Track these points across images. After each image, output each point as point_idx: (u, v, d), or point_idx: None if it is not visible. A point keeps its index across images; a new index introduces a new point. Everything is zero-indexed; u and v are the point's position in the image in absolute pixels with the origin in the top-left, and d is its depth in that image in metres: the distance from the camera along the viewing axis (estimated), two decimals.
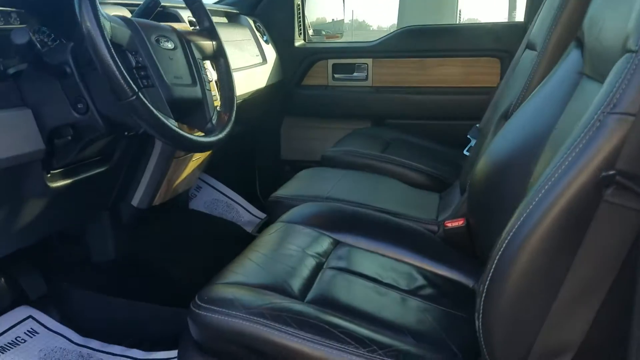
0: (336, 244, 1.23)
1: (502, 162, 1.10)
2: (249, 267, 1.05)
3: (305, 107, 2.47)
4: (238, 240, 1.87)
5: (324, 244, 1.21)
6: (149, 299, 1.53)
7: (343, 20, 3.13)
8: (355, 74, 2.44)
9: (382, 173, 1.74)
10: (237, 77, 1.51)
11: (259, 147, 2.56)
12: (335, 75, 2.44)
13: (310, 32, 2.73)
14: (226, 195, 2.50)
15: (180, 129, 1.08)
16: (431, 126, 2.35)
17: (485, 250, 0.92)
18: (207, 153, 1.81)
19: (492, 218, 1.03)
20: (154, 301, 1.52)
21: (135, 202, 1.53)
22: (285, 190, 1.57)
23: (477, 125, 1.69)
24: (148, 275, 1.69)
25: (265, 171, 2.58)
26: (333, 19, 3.43)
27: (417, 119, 2.37)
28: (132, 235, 1.68)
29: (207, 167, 2.34)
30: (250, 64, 2.08)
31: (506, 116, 1.30)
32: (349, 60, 2.42)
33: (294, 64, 2.43)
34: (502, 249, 0.68)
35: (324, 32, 3.22)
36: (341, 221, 1.30)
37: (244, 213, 2.48)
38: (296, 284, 1.00)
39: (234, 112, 1.34)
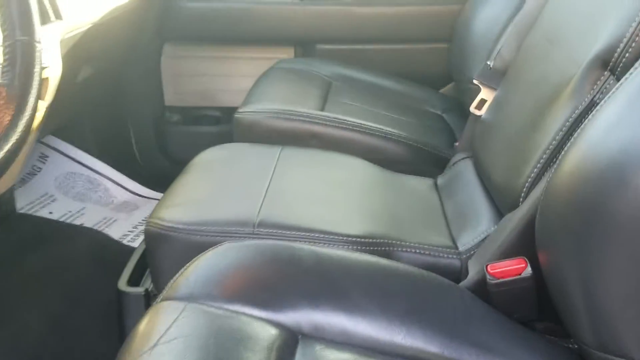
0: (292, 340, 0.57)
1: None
2: None
3: (194, 29, 1.66)
4: (107, 270, 1.13)
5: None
6: None
7: None
8: None
9: (336, 148, 1.05)
10: None
11: (131, 92, 1.74)
12: None
13: None
14: (87, 167, 1.70)
15: None
16: (386, 54, 1.67)
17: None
18: (44, 109, 1.02)
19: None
20: None
21: None
22: (170, 212, 0.83)
23: (488, 62, 1.03)
24: None
25: (144, 127, 1.78)
26: None
27: (364, 43, 1.66)
28: None
29: (55, 127, 1.53)
30: None
31: (612, 69, 0.66)
32: None
33: None
34: None
35: None
36: (294, 288, 0.63)
37: (118, 190, 1.71)
38: None
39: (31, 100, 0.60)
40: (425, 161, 1.09)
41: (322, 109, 1.25)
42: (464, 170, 0.94)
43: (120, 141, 1.78)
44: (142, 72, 1.71)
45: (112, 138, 1.76)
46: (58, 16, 0.99)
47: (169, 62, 1.73)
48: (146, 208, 1.66)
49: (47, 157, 1.65)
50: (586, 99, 0.65)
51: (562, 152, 0.61)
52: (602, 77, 0.65)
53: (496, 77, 0.96)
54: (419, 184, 0.97)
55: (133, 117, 1.78)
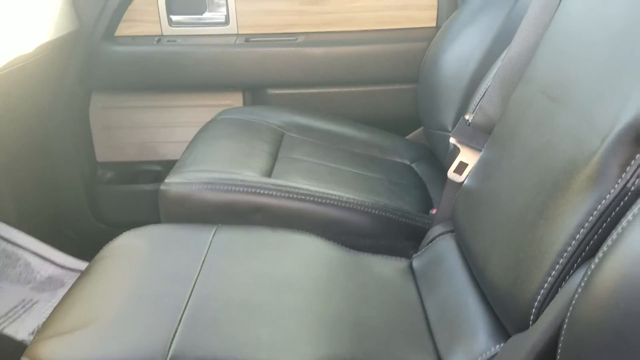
0: None
1: None
2: None
3: (125, 76, 1.45)
4: None
5: None
6: None
7: None
8: (207, 14, 1.47)
9: (285, 223, 0.84)
10: None
11: (56, 148, 1.51)
12: (174, 18, 1.45)
13: None
14: (3, 238, 1.45)
15: None
16: (345, 97, 1.49)
17: None
18: None
19: None
20: None
21: None
22: (51, 348, 0.59)
23: (467, 118, 0.84)
24: None
25: (73, 187, 1.55)
26: None
27: (320, 86, 1.48)
28: None
29: None
30: None
31: None
32: None
33: (97, 1, 1.38)
34: None
35: None
36: None
37: (41, 265, 1.46)
38: None
39: None
40: (396, 233, 0.89)
41: (272, 169, 1.05)
42: (445, 251, 0.74)
43: (46, 205, 1.54)
44: (67, 125, 1.49)
45: (35, 202, 1.52)
46: None
47: (98, 113, 1.51)
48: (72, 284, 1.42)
49: None
50: (617, 186, 0.47)
51: (594, 261, 0.43)
52: (638, 156, 0.47)
53: (478, 136, 0.78)
54: (390, 269, 0.77)
55: (60, 177, 1.54)
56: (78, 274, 1.48)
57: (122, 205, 1.58)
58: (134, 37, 1.43)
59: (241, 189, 0.87)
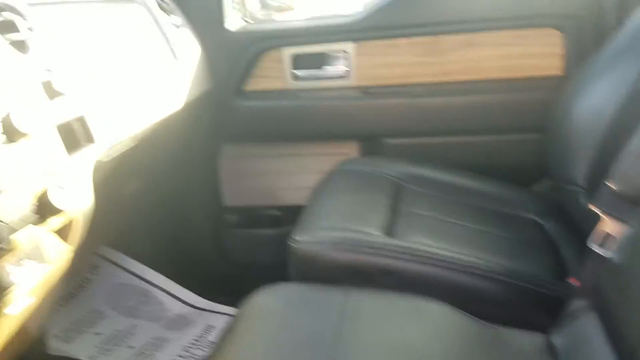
0: None
1: None
2: None
3: (252, 128, 1.55)
4: None
5: None
6: None
7: None
8: (328, 68, 1.53)
9: (414, 288, 0.84)
10: (116, 100, 0.96)
11: (187, 195, 1.63)
12: (297, 73, 1.52)
13: (254, 6, 1.78)
14: (140, 277, 1.58)
15: None
16: (463, 147, 1.47)
17: None
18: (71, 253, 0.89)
19: None
20: None
21: None
22: None
23: (609, 184, 0.80)
24: None
25: (202, 231, 1.66)
26: None
27: (436, 135, 1.48)
28: None
29: (106, 239, 1.44)
30: (146, 68, 1.15)
31: None
32: (317, 46, 1.50)
33: (229, 58, 1.49)
34: None
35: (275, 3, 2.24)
36: None
37: (172, 303, 1.57)
38: None
39: None
40: (531, 303, 0.86)
41: (394, 225, 1.06)
42: (589, 331, 0.70)
43: (175, 245, 1.66)
44: (198, 174, 1.61)
45: (167, 244, 1.64)
46: (89, 139, 0.87)
47: (227, 162, 1.62)
48: (199, 323, 1.51)
49: (97, 268, 1.55)
50: None
51: None
52: None
53: (624, 207, 0.73)
54: (529, 346, 0.73)
55: (190, 221, 1.66)
56: (202, 314, 1.57)
57: (245, 247, 1.66)
58: (261, 92, 1.52)
59: (368, 250, 0.89)
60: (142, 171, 1.28)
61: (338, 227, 0.97)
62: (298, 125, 1.53)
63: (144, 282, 1.57)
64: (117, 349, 1.39)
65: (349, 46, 1.47)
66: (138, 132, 1.06)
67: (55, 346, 1.31)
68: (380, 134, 1.51)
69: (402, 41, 1.45)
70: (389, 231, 1.01)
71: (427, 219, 1.10)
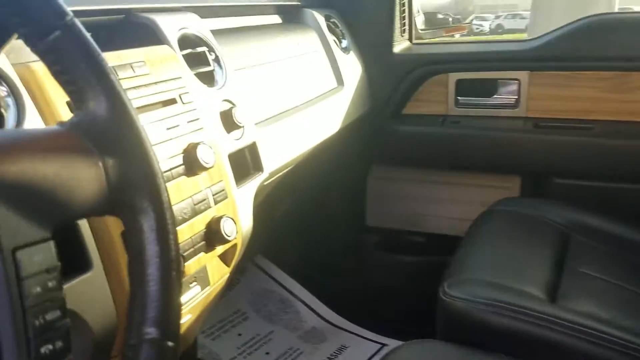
0: None
1: None
2: None
3: (406, 151, 1.51)
4: None
5: None
6: None
7: None
8: (496, 96, 1.44)
9: None
10: (286, 128, 1.01)
11: (332, 211, 1.65)
12: (461, 100, 1.46)
13: (420, 23, 1.74)
14: (283, 286, 1.64)
15: None
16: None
17: None
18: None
19: None
20: None
21: None
22: None
23: None
24: None
25: (342, 248, 1.66)
26: None
27: (617, 181, 1.32)
28: None
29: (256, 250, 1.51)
30: (315, 95, 1.18)
31: None
32: (485, 73, 1.42)
33: (391, 81, 1.47)
34: None
35: (441, 16, 2.17)
36: None
37: (309, 315, 1.60)
38: None
39: None
40: None
41: (558, 285, 0.96)
42: None
43: (317, 260, 1.68)
44: (345, 192, 1.62)
45: (308, 256, 1.68)
46: (258, 168, 0.91)
47: (374, 182, 1.61)
48: (334, 341, 1.52)
49: (245, 271, 1.63)
50: None
51: None
52: None
53: None
54: None
55: (332, 236, 1.68)
56: (337, 331, 1.58)
57: (384, 270, 1.64)
58: (420, 116, 1.48)
59: (529, 320, 0.81)
60: (295, 191, 1.32)
61: (494, 284, 0.90)
62: (456, 153, 1.46)
63: (285, 291, 1.62)
64: (255, 353, 1.45)
65: (521, 75, 1.37)
66: (298, 156, 1.08)
67: (202, 342, 1.40)
68: (547, 172, 1.39)
69: (584, 74, 1.32)
70: (553, 294, 0.92)
71: (598, 283, 0.98)
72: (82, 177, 0.32)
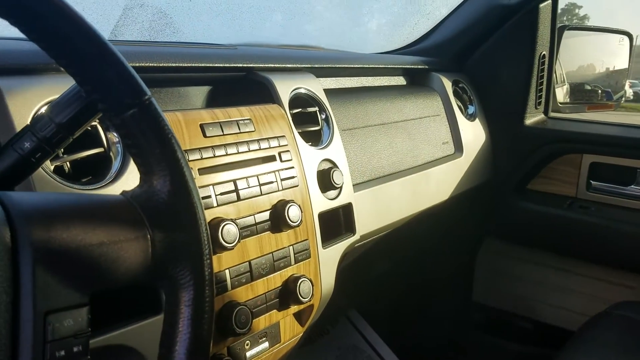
0: None
1: None
2: None
3: (525, 229, 1.41)
4: None
5: None
6: None
7: (628, 71, 1.87)
8: (634, 187, 1.29)
9: None
10: (388, 191, 1.00)
11: (435, 282, 1.58)
12: (594, 184, 1.33)
13: (562, 94, 1.63)
14: (373, 347, 1.59)
15: None
16: None
17: None
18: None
19: None
20: None
21: None
22: None
23: None
24: None
25: (443, 320, 1.58)
26: (609, 68, 2.16)
27: None
28: None
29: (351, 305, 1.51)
30: (427, 159, 1.15)
31: None
32: (624, 160, 1.28)
33: (518, 153, 1.39)
34: None
35: (589, 88, 2.00)
36: None
37: None
38: None
39: None
40: None
41: None
42: None
43: (414, 328, 1.62)
44: (453, 262, 1.55)
45: (405, 322, 1.62)
46: (350, 229, 0.90)
47: (485, 256, 1.52)
48: None
49: (337, 323, 1.62)
50: None
51: None
52: None
53: None
54: None
55: (434, 307, 1.60)
56: None
57: (482, 354, 1.53)
58: (545, 194, 1.38)
59: None
60: (394, 254, 1.29)
61: None
62: (580, 240, 1.33)
63: (374, 352, 1.58)
64: None
65: None
66: (399, 220, 1.06)
67: None
68: None
69: None
70: None
71: None
72: (129, 248, 0.34)
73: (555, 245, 1.38)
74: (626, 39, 1.62)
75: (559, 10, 1.39)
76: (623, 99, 1.83)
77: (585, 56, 1.86)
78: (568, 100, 1.63)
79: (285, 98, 0.81)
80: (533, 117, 1.40)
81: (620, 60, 1.78)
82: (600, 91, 1.81)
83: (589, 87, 1.83)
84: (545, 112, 1.43)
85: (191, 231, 0.37)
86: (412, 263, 1.49)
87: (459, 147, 1.26)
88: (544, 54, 1.35)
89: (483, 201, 1.42)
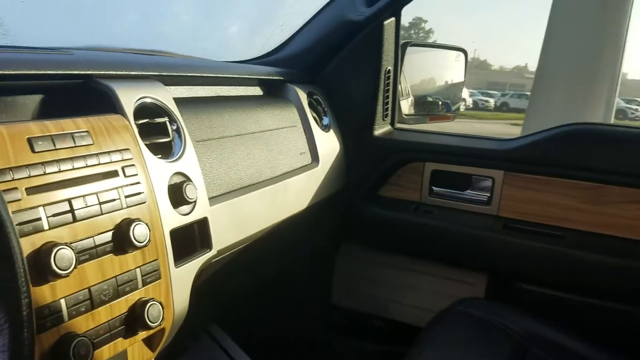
0: None
1: None
2: None
3: (376, 233, 1.48)
4: None
5: None
6: None
7: (463, 84, 2.06)
8: (470, 191, 1.42)
9: None
10: (245, 203, 0.99)
11: (296, 288, 1.60)
12: (435, 189, 1.44)
13: (407, 106, 1.74)
14: (232, 358, 1.56)
15: None
16: (602, 313, 1.27)
17: None
18: None
19: None
20: None
21: None
22: None
23: None
24: None
25: (305, 327, 1.61)
26: (447, 82, 2.36)
27: (577, 293, 1.29)
28: None
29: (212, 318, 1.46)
30: (285, 170, 1.15)
31: None
32: (461, 167, 1.41)
33: (369, 163, 1.46)
34: None
35: (431, 99, 2.18)
36: None
37: None
38: None
39: None
40: None
41: None
42: None
43: (277, 337, 1.62)
44: (312, 268, 1.58)
45: (269, 332, 1.62)
46: (206, 245, 0.87)
47: (342, 261, 1.57)
48: None
49: (197, 339, 1.56)
50: None
51: None
52: None
53: None
54: None
55: (295, 314, 1.62)
56: None
57: (340, 355, 1.58)
58: (393, 200, 1.47)
59: None
60: (254, 265, 1.28)
61: None
62: (425, 241, 1.43)
63: None
64: None
65: (496, 173, 1.36)
66: (259, 231, 1.05)
67: None
68: (513, 276, 1.36)
69: (559, 181, 1.31)
70: None
71: None
72: None
73: (405, 247, 1.47)
74: (462, 55, 1.79)
75: (406, 24, 1.49)
76: (461, 109, 2.01)
77: (427, 70, 2.01)
78: (412, 112, 1.75)
79: (129, 108, 0.76)
80: (381, 129, 1.48)
81: (457, 73, 1.95)
82: (440, 103, 1.97)
83: (430, 99, 1.99)
84: (392, 124, 1.52)
85: (3, 264, 0.32)
86: (273, 273, 1.49)
87: (315, 157, 1.28)
88: (389, 69, 1.43)
89: (339, 208, 1.46)
